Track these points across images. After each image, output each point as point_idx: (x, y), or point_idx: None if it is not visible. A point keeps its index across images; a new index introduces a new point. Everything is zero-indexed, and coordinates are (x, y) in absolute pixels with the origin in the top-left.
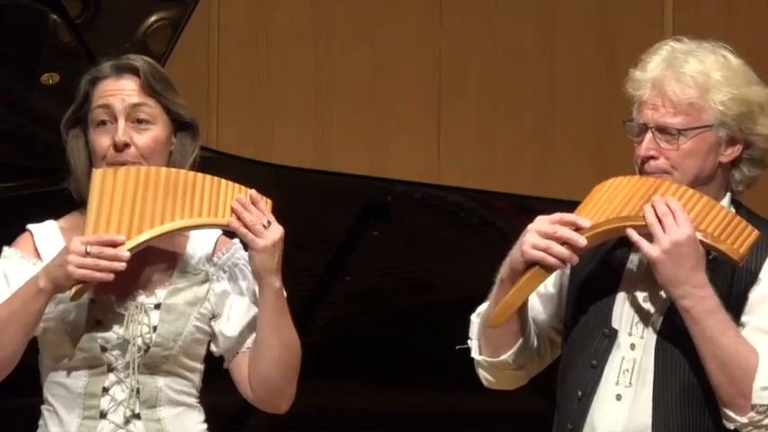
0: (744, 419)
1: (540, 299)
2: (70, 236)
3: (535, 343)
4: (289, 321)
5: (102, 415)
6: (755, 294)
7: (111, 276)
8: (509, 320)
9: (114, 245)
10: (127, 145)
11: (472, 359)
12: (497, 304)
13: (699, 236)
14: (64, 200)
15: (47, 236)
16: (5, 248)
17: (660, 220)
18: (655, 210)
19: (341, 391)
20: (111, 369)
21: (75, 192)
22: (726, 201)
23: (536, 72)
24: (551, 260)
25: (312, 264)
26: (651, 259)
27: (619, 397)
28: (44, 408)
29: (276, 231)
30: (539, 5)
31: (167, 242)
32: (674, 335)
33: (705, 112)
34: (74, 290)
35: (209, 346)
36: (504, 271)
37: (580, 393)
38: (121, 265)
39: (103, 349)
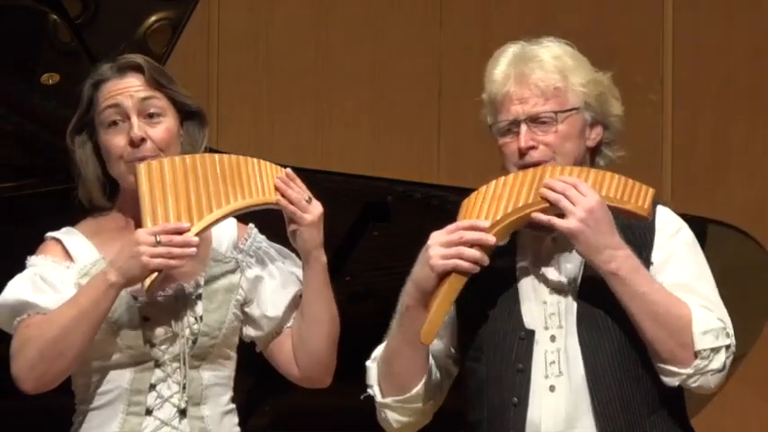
0: (689, 370)
1: None
2: (98, 239)
3: (437, 374)
4: (332, 295)
5: (148, 412)
6: (657, 259)
7: (184, 263)
8: (434, 339)
9: (180, 232)
10: (143, 140)
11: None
12: (412, 330)
13: (608, 202)
14: (65, 200)
15: (74, 239)
16: (31, 258)
17: (564, 195)
18: (554, 189)
19: (341, 391)
20: (158, 365)
21: (84, 199)
22: None
23: None
24: (466, 265)
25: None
26: (569, 232)
27: (552, 388)
28: (82, 406)
29: (318, 206)
30: (539, 6)
31: (215, 223)
32: (591, 312)
33: (570, 95)
34: (148, 281)
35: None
36: (408, 298)
37: (516, 399)
38: (193, 251)
39: (151, 345)
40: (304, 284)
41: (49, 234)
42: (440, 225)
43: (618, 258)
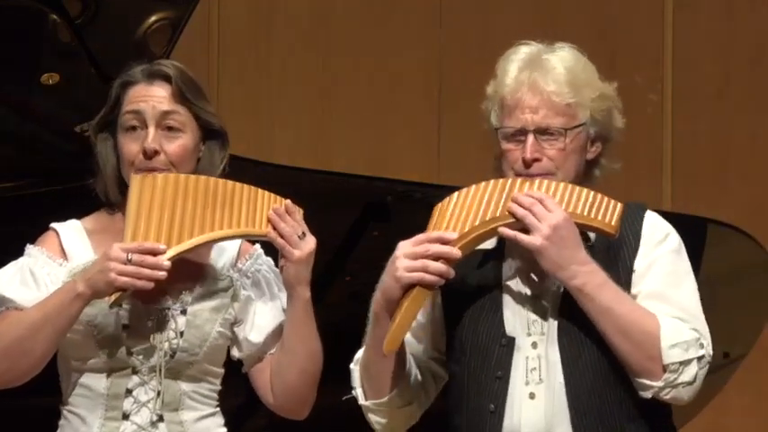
0: (659, 383)
1: (414, 333)
2: (97, 238)
3: (419, 376)
4: (315, 331)
5: (125, 416)
6: (639, 265)
7: (151, 285)
8: (396, 350)
9: (155, 253)
10: (156, 152)
11: None
12: (380, 338)
13: (575, 219)
14: (65, 199)
15: (73, 236)
16: (29, 247)
17: (530, 211)
18: (520, 204)
19: (341, 391)
20: (135, 372)
21: (101, 193)
22: None
23: None
24: (430, 278)
25: (312, 264)
26: (534, 248)
27: (532, 395)
28: (64, 408)
29: (310, 242)
30: (538, 5)
31: (194, 249)
32: (573, 320)
33: (580, 110)
34: (113, 297)
35: (228, 350)
36: (377, 306)
37: (492, 406)
38: (162, 274)
39: (129, 353)
40: (286, 317)
41: (53, 225)
42: None
43: (583, 274)
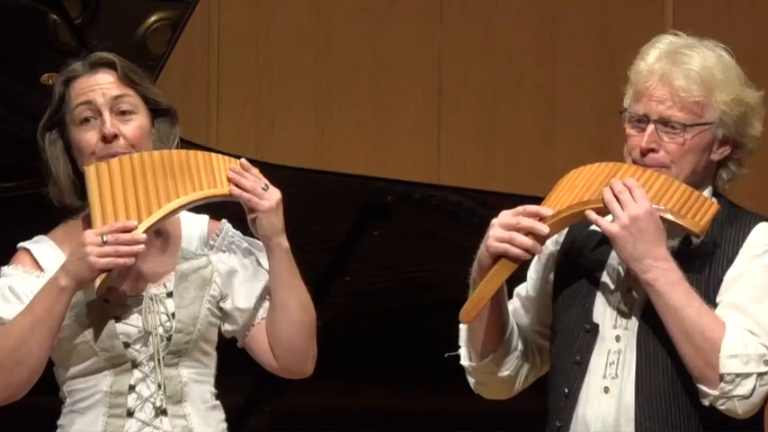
0: (715, 392)
1: (522, 303)
2: (67, 246)
3: (519, 346)
4: (301, 282)
5: (129, 413)
6: (729, 276)
7: (132, 260)
8: (480, 317)
9: (128, 230)
10: (116, 136)
11: None
12: None
13: (661, 213)
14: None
15: (44, 249)
16: (3, 268)
17: (618, 198)
18: (612, 189)
19: (341, 390)
20: (135, 365)
21: (56, 200)
22: (707, 193)
23: (536, 72)
24: (516, 251)
25: (312, 264)
26: (611, 235)
27: (606, 390)
28: (65, 408)
29: (275, 192)
30: (539, 5)
31: (163, 232)
32: (654, 320)
33: (708, 110)
34: (98, 282)
35: (220, 332)
36: (474, 271)
37: (566, 390)
38: (140, 247)
39: (126, 345)
40: (270, 272)
41: (21, 244)
42: (440, 225)
43: (656, 270)
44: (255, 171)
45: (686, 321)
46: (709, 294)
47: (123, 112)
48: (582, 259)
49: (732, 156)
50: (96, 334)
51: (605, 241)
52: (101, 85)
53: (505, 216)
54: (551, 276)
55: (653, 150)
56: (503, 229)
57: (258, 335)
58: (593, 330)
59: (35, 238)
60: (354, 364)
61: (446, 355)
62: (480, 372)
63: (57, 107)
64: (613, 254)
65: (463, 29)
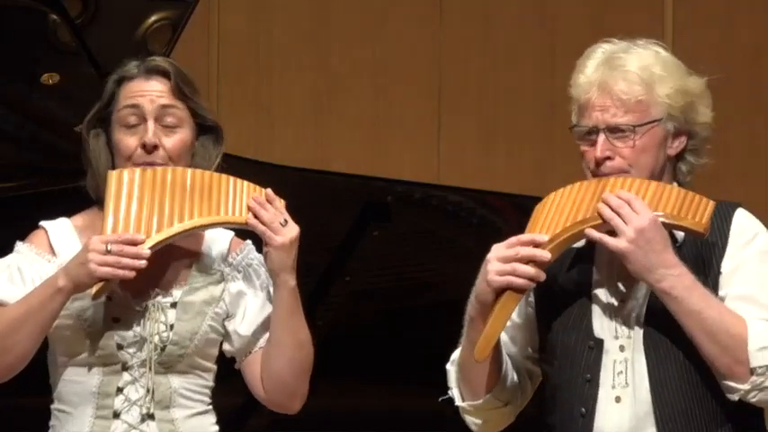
0: (746, 386)
1: (510, 334)
2: (86, 234)
3: (515, 377)
4: (302, 320)
5: (116, 415)
6: (726, 268)
7: (132, 274)
8: (488, 357)
9: (134, 243)
10: (156, 147)
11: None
12: (474, 342)
13: (660, 218)
14: (65, 199)
15: (62, 233)
16: (19, 243)
17: (618, 213)
18: (609, 205)
19: (341, 390)
20: (125, 368)
21: (92, 190)
22: None
23: (536, 72)
24: (520, 281)
25: (312, 264)
26: (620, 252)
27: (618, 399)
28: (55, 408)
29: (293, 229)
30: (539, 5)
31: (184, 242)
32: (659, 324)
33: (653, 107)
34: (95, 288)
35: (221, 347)
36: (472, 308)
37: (583, 410)
38: (142, 263)
39: (119, 347)
40: (272, 306)
41: (42, 222)
42: (440, 225)
43: (670, 277)
44: (279, 204)
45: (709, 322)
46: (710, 287)
47: (168, 124)
48: (562, 280)
49: (688, 147)
50: (93, 330)
51: (581, 259)
52: (151, 93)
53: (500, 249)
54: (531, 300)
55: (608, 158)
56: (501, 263)
57: (253, 363)
58: (598, 346)
59: (57, 220)
60: (354, 364)
61: (440, 399)
62: (483, 409)
63: (105, 104)
64: (597, 269)
65: (463, 29)
